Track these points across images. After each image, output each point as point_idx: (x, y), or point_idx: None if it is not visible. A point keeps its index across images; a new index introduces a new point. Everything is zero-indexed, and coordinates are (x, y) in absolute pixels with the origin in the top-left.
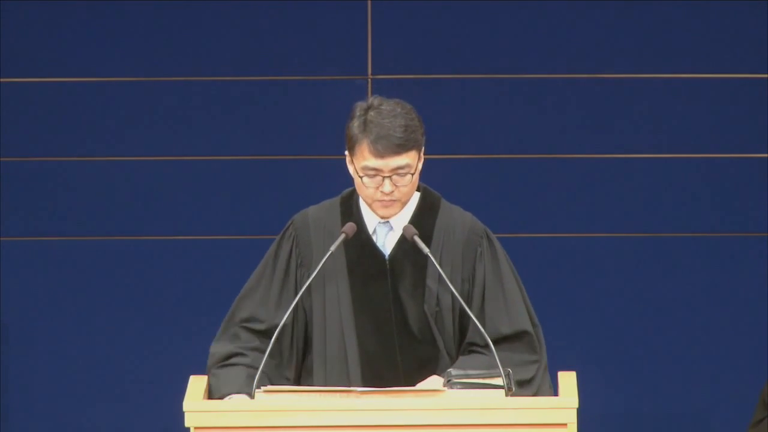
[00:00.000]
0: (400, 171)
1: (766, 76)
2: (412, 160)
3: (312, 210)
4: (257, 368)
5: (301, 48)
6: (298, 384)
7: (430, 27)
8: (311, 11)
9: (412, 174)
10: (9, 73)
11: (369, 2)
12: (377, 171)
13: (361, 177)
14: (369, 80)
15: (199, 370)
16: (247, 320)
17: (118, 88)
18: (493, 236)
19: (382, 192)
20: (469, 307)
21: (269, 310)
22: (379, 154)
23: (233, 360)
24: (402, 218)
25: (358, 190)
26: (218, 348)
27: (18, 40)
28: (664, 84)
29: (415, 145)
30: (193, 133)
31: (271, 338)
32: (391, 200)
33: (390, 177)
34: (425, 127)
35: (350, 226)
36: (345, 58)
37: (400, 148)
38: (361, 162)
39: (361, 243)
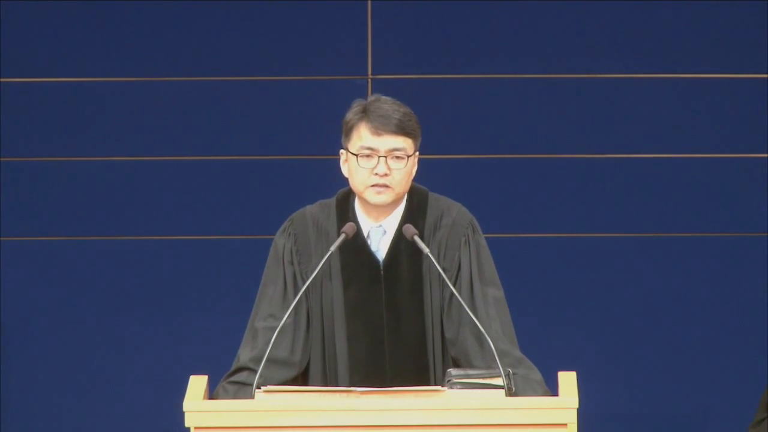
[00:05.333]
0: (396, 153)
1: (766, 76)
2: (408, 145)
3: (309, 209)
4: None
5: (301, 48)
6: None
7: (430, 27)
8: (311, 11)
9: (407, 158)
10: (9, 73)
11: (369, 2)
12: (373, 150)
13: (357, 159)
14: (369, 80)
15: (199, 370)
16: (265, 318)
17: (118, 88)
18: (478, 227)
19: (376, 175)
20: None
21: (282, 306)
22: (377, 132)
23: (243, 377)
24: (393, 220)
25: (352, 179)
26: (241, 351)
27: (18, 40)
28: (664, 84)
29: (412, 133)
30: (193, 133)
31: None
32: (384, 185)
33: (385, 158)
34: (424, 127)
35: (350, 226)
36: (345, 58)
37: (398, 129)
38: (358, 143)
39: (356, 247)
